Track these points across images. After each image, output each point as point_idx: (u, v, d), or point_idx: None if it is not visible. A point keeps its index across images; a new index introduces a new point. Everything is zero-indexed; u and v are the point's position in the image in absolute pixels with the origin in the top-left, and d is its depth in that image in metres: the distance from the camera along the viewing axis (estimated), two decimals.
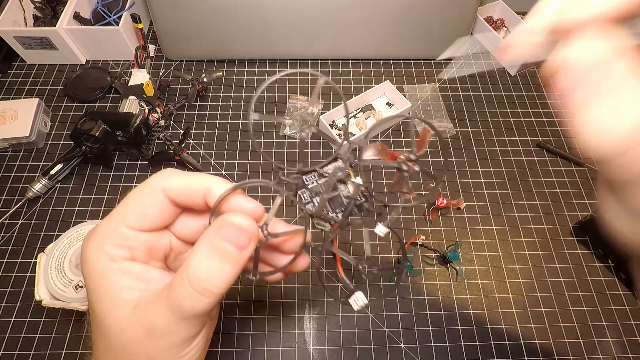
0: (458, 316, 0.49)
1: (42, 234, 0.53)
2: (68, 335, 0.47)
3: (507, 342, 0.47)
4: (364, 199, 0.25)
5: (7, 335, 0.47)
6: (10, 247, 0.52)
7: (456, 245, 0.52)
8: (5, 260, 0.51)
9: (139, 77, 0.60)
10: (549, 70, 0.18)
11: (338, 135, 0.60)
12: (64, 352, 0.46)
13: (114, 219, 0.21)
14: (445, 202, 0.54)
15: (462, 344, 0.47)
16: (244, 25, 0.64)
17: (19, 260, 0.51)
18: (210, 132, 0.62)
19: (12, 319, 0.48)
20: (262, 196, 0.56)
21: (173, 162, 0.58)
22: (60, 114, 0.64)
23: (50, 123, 0.62)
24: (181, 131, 0.62)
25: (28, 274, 0.50)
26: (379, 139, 0.62)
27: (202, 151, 0.60)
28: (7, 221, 0.53)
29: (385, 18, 0.63)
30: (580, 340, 0.47)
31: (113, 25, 0.65)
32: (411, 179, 0.24)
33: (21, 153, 0.60)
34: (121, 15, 0.66)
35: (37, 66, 0.69)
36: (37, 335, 0.47)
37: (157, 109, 0.60)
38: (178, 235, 0.24)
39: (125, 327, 0.20)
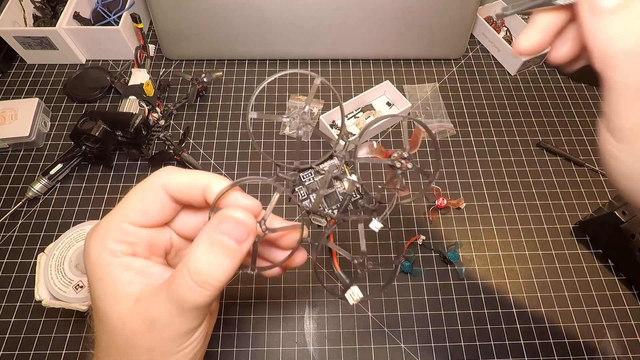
0: (458, 316, 0.49)
1: (42, 234, 0.53)
2: (68, 335, 0.47)
3: (507, 342, 0.47)
4: (359, 196, 0.25)
5: (7, 335, 0.47)
6: (10, 247, 0.52)
7: (456, 245, 0.52)
8: (5, 260, 0.51)
9: (139, 77, 0.60)
10: None
11: (337, 135, 0.60)
12: (64, 352, 0.46)
13: (116, 215, 0.22)
14: (445, 202, 0.54)
15: (462, 344, 0.47)
16: (244, 25, 0.64)
17: (19, 260, 0.51)
18: (210, 132, 0.62)
19: (12, 319, 0.48)
20: (262, 196, 0.56)
21: (173, 162, 0.58)
22: (60, 113, 0.64)
23: (50, 123, 0.62)
24: (181, 131, 0.62)
25: (28, 274, 0.50)
26: (379, 139, 0.62)
27: (202, 151, 0.60)
28: (7, 221, 0.53)
29: (385, 18, 0.63)
30: (580, 340, 0.47)
31: (113, 25, 0.65)
32: (404, 177, 0.25)
33: (21, 153, 0.60)
34: (121, 15, 0.66)
35: (37, 66, 0.69)
36: (37, 335, 0.47)
37: (157, 108, 0.60)
38: (178, 232, 0.25)
39: (127, 320, 0.21)
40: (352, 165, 0.26)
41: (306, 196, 0.26)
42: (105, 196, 0.56)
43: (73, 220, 0.54)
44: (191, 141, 0.61)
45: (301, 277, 0.51)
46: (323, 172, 0.26)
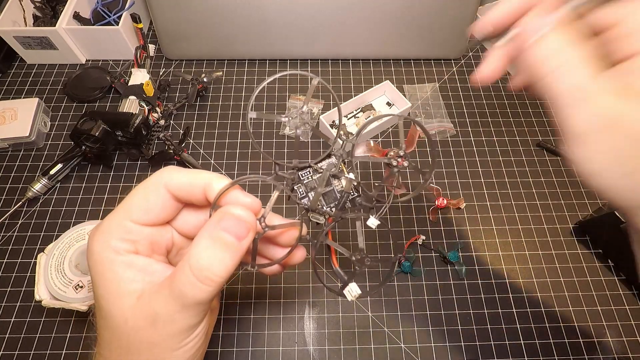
0: (458, 316, 0.49)
1: (42, 234, 0.53)
2: (68, 335, 0.47)
3: (507, 342, 0.47)
4: (356, 194, 0.26)
5: (7, 335, 0.47)
6: (10, 247, 0.52)
7: (456, 246, 0.52)
8: (5, 260, 0.51)
9: (139, 77, 0.60)
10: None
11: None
12: (64, 352, 0.46)
13: (119, 214, 0.22)
14: (445, 202, 0.54)
15: (462, 344, 0.47)
16: (244, 25, 0.64)
17: (19, 260, 0.51)
18: (210, 132, 0.62)
19: (12, 319, 0.48)
20: (262, 195, 0.56)
21: (173, 162, 0.58)
22: (60, 113, 0.64)
23: (50, 123, 0.62)
24: (181, 131, 0.62)
25: (28, 274, 0.50)
26: (379, 139, 0.62)
27: (202, 151, 0.60)
28: (7, 221, 0.53)
29: (385, 18, 0.63)
30: (580, 340, 0.47)
31: (113, 25, 0.66)
32: (401, 175, 0.25)
33: (21, 153, 0.60)
34: (121, 15, 0.66)
35: (37, 66, 0.69)
36: (37, 335, 0.47)
37: (157, 108, 0.60)
38: (180, 231, 0.25)
39: (129, 317, 0.21)
40: (350, 164, 0.26)
41: (305, 194, 0.26)
42: (105, 196, 0.56)
43: (73, 220, 0.54)
44: (191, 141, 0.61)
45: (301, 277, 0.51)
46: (321, 170, 0.26)
